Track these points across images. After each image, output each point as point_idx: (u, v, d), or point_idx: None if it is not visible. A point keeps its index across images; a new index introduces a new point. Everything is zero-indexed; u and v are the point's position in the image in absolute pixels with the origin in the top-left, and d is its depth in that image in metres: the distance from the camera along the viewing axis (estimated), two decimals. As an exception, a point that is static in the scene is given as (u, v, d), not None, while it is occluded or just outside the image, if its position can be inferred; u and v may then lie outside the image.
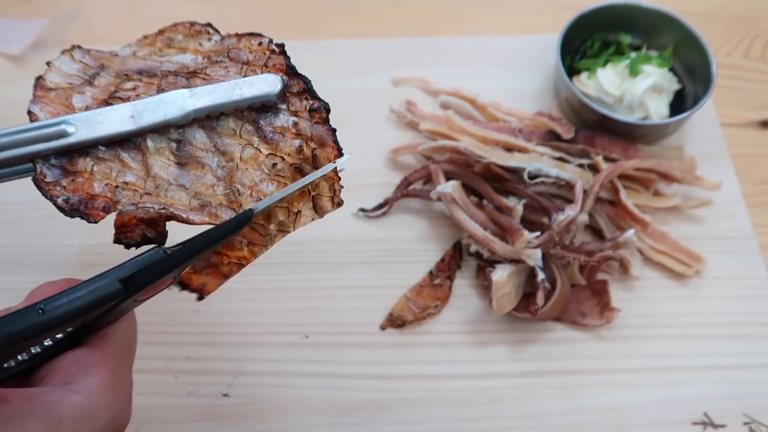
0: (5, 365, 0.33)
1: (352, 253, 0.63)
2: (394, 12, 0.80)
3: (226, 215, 0.38)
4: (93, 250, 0.62)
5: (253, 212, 0.37)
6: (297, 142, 0.40)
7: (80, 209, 0.37)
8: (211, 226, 0.36)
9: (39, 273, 0.60)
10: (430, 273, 0.62)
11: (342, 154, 0.40)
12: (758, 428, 0.57)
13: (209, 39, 0.44)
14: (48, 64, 0.42)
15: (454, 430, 0.56)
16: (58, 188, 0.38)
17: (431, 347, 0.59)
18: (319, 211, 0.40)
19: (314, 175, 0.39)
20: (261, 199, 0.38)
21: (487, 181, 0.64)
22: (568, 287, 0.60)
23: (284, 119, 0.40)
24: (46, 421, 0.30)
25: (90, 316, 0.33)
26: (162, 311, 0.59)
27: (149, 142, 0.39)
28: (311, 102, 0.40)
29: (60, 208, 0.38)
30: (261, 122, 0.40)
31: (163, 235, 0.38)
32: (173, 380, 0.57)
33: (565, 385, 0.58)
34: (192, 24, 0.45)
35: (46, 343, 0.33)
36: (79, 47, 0.43)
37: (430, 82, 0.72)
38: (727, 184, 0.67)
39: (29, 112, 0.39)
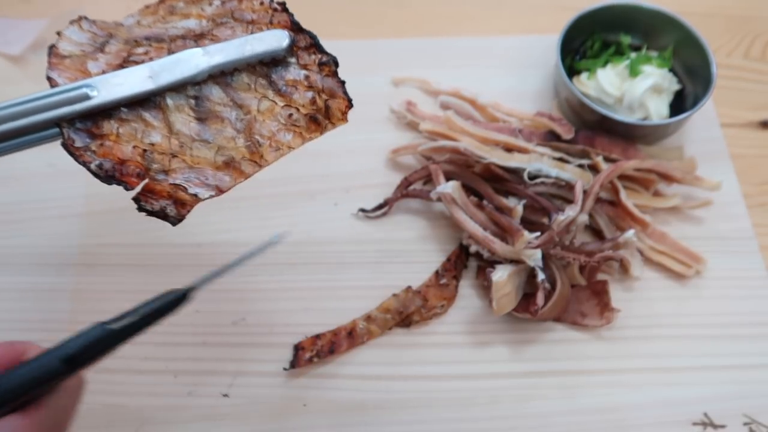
0: None
1: (351, 253, 0.63)
2: (395, 13, 0.80)
3: (249, 169, 0.40)
4: (93, 250, 0.62)
5: (188, 293, 0.36)
6: (310, 94, 0.41)
7: (115, 176, 0.39)
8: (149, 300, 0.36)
9: (39, 273, 0.60)
10: (436, 273, 0.62)
11: (352, 105, 0.42)
12: (758, 428, 0.57)
13: (210, 3, 0.45)
14: (58, 33, 0.43)
15: (453, 430, 0.56)
16: (88, 153, 0.39)
17: (431, 348, 0.59)
18: (331, 119, 0.42)
19: (252, 253, 0.39)
20: (278, 149, 0.40)
21: (487, 182, 0.64)
22: (568, 288, 0.60)
23: (295, 72, 0.42)
24: None
25: (30, 394, 0.33)
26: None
27: (169, 100, 0.40)
28: (320, 56, 0.42)
29: (95, 174, 0.39)
30: (273, 76, 0.42)
31: (180, 219, 0.39)
32: (173, 380, 0.57)
33: (565, 386, 0.58)
34: None
35: None
36: (86, 18, 0.45)
37: (430, 83, 0.72)
38: (727, 184, 0.67)
39: (48, 78, 0.41)
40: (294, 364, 0.57)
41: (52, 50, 0.42)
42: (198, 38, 0.43)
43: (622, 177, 0.65)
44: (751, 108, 0.75)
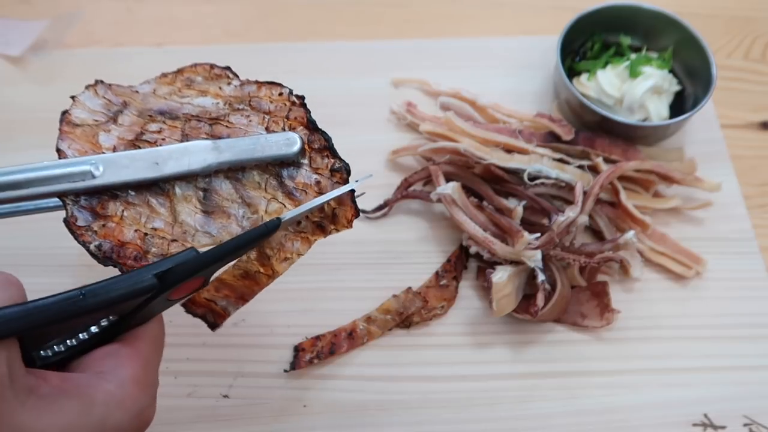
0: (44, 353, 0.35)
1: (352, 254, 0.63)
2: (394, 13, 0.80)
3: (264, 281, 0.41)
4: (93, 251, 0.62)
5: (281, 221, 0.39)
6: None
7: (113, 257, 0.39)
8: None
9: (40, 274, 0.60)
10: (437, 273, 0.62)
11: (359, 214, 0.42)
12: (758, 429, 0.57)
13: (229, 83, 0.45)
14: (73, 98, 0.43)
15: (454, 431, 0.56)
16: (89, 233, 0.39)
17: (431, 349, 0.59)
18: (336, 225, 0.42)
19: (333, 194, 0.41)
20: (287, 259, 0.41)
21: (487, 183, 0.64)
22: (568, 289, 0.60)
23: (306, 176, 0.41)
24: (79, 400, 0.32)
25: (125, 306, 0.35)
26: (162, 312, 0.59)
27: (177, 190, 0.40)
28: (332, 161, 0.42)
29: (93, 255, 0.39)
30: (284, 176, 0.41)
31: (218, 326, 0.42)
32: (173, 381, 0.57)
33: (565, 387, 0.58)
34: (212, 66, 0.46)
35: (81, 337, 0.35)
36: (102, 82, 0.45)
37: (430, 84, 0.72)
38: (727, 185, 0.67)
39: (58, 150, 0.41)
40: (294, 365, 0.57)
41: (64, 117, 0.42)
42: (213, 122, 0.42)
43: (622, 178, 0.65)
44: (751, 109, 0.75)
